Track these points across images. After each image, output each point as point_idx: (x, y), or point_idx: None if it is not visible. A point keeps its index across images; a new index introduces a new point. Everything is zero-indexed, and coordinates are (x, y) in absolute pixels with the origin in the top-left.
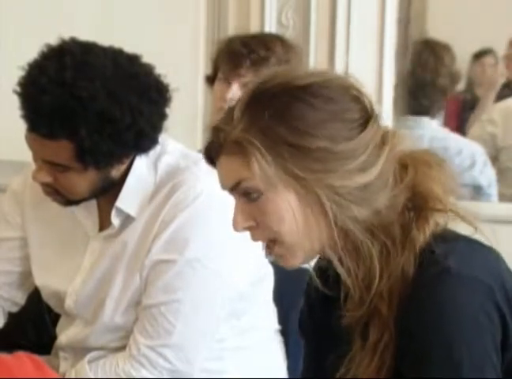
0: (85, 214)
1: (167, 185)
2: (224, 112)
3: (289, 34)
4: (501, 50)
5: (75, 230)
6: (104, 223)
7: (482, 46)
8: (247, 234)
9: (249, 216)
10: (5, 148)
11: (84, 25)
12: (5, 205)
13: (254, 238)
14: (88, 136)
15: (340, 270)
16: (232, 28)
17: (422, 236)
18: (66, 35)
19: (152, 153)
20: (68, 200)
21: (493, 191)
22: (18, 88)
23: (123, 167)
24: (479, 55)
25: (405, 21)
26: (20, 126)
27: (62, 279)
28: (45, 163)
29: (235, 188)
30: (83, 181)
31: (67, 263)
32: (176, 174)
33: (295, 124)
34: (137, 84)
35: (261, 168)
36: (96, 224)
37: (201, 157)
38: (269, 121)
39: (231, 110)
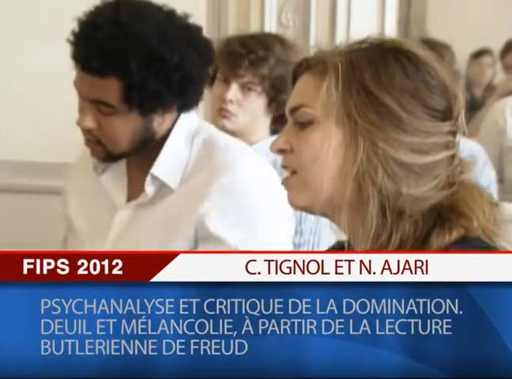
0: (113, 185)
1: (207, 161)
2: (223, 112)
3: (289, 34)
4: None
5: (101, 203)
6: (133, 194)
7: (482, 46)
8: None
9: (289, 140)
10: (5, 148)
11: None
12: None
13: (284, 163)
14: (136, 71)
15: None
16: (232, 28)
17: (438, 244)
18: (66, 36)
19: (189, 128)
20: (108, 153)
21: (493, 191)
22: (71, 36)
23: (165, 125)
24: (477, 55)
25: (405, 22)
26: (21, 126)
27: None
28: (92, 103)
29: (294, 111)
30: (126, 127)
31: (95, 236)
32: (215, 150)
33: (382, 76)
34: (188, 33)
35: (328, 91)
36: (125, 195)
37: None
38: (362, 62)
39: (340, 46)
